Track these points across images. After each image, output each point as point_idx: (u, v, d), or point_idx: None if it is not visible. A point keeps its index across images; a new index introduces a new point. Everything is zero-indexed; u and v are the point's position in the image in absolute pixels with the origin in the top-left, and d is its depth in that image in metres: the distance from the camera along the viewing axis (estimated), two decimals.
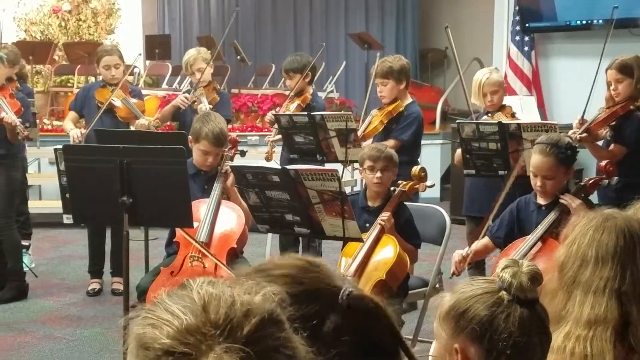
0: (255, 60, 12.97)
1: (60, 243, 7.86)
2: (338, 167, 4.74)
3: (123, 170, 3.98)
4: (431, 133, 9.86)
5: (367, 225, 4.31)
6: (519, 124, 4.87)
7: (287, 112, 5.95)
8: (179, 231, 4.52)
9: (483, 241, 4.28)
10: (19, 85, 6.62)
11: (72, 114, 6.25)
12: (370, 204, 4.47)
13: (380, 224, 4.25)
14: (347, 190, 5.14)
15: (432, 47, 13.32)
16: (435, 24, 13.08)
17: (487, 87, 5.32)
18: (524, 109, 7.48)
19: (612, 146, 4.99)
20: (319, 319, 1.31)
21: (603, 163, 4.30)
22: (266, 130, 8.55)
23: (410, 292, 4.47)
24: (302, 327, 1.22)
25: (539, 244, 3.91)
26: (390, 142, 5.25)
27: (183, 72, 7.65)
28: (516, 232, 4.17)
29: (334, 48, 12.88)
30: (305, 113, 5.71)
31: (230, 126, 7.64)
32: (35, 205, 7.98)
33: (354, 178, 7.33)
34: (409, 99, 5.69)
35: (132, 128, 6.16)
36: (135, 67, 8.94)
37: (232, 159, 4.85)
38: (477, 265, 4.87)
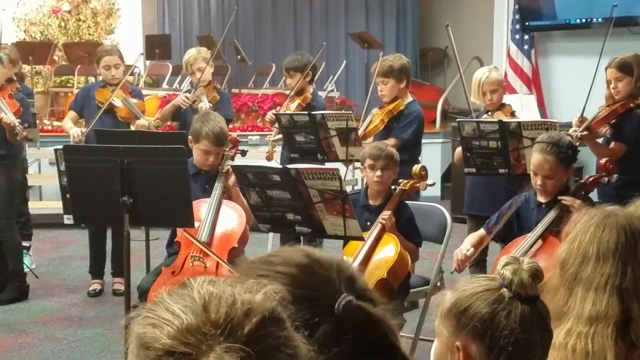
0: (256, 59, 12.97)
1: (61, 244, 7.86)
2: (339, 166, 4.74)
3: (123, 170, 3.98)
4: (431, 132, 9.87)
5: (368, 223, 4.31)
6: (519, 123, 4.87)
7: (288, 112, 5.95)
8: (180, 231, 4.51)
9: (478, 233, 4.28)
10: (19, 86, 6.62)
11: (71, 114, 6.25)
12: (371, 202, 4.47)
13: (381, 222, 4.25)
14: (348, 189, 5.14)
15: (432, 46, 13.32)
16: (435, 23, 13.08)
17: (486, 86, 5.32)
18: (524, 107, 7.48)
19: (612, 144, 4.99)
20: (314, 324, 1.31)
21: (603, 161, 4.30)
22: (267, 129, 8.55)
23: (411, 290, 4.47)
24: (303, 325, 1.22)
25: (540, 241, 3.92)
26: (391, 141, 5.26)
27: (183, 72, 7.65)
28: (515, 229, 4.17)
29: (334, 47, 12.88)
30: (306, 112, 5.71)
31: (230, 126, 7.64)
32: (35, 206, 7.98)
33: (355, 177, 7.33)
34: (410, 98, 5.69)
35: (132, 128, 6.16)
36: (136, 67, 8.94)
37: (232, 159, 4.85)
38: (478, 263, 4.87)
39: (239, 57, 11.68)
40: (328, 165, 4.90)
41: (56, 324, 5.61)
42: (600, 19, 8.57)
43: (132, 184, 3.99)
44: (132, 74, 8.87)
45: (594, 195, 4.42)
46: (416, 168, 4.58)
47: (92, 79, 10.06)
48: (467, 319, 1.77)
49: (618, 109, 4.94)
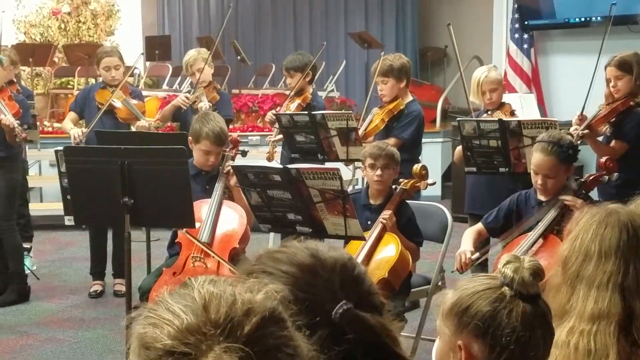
0: (256, 60, 12.97)
1: (62, 245, 7.85)
2: (339, 165, 4.74)
3: (124, 171, 3.98)
4: (432, 131, 9.87)
5: (369, 223, 4.31)
6: (519, 121, 4.87)
7: (288, 112, 5.95)
8: (181, 231, 4.51)
9: (477, 229, 4.26)
10: (19, 88, 6.62)
11: (71, 115, 6.24)
12: (372, 201, 4.48)
13: (382, 222, 4.25)
14: (349, 188, 5.13)
15: (431, 46, 13.31)
16: (434, 22, 13.08)
17: (485, 85, 5.32)
18: (523, 106, 7.48)
19: (613, 142, 5.00)
20: (311, 328, 1.31)
21: (603, 159, 4.30)
22: (267, 130, 8.55)
23: (412, 290, 4.47)
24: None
25: (541, 240, 3.92)
26: (391, 141, 5.26)
27: (183, 73, 7.65)
28: (515, 227, 4.17)
29: (334, 47, 12.88)
30: (306, 112, 5.70)
31: (231, 126, 7.64)
32: (36, 208, 7.98)
33: (355, 177, 7.33)
34: (410, 97, 5.70)
35: (132, 129, 6.16)
36: (136, 68, 8.94)
37: (233, 159, 4.85)
38: (479, 262, 4.86)
39: (238, 57, 11.68)
40: (328, 165, 4.90)
41: (57, 325, 5.61)
42: (599, 18, 8.58)
43: (133, 184, 3.99)
44: (132, 75, 8.87)
45: (594, 194, 4.42)
46: (416, 167, 4.58)
47: (92, 81, 10.07)
48: (469, 318, 1.77)
49: (618, 107, 4.94)
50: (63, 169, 4.24)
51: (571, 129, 4.94)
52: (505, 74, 9.25)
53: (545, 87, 9.54)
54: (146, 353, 1.13)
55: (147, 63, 12.32)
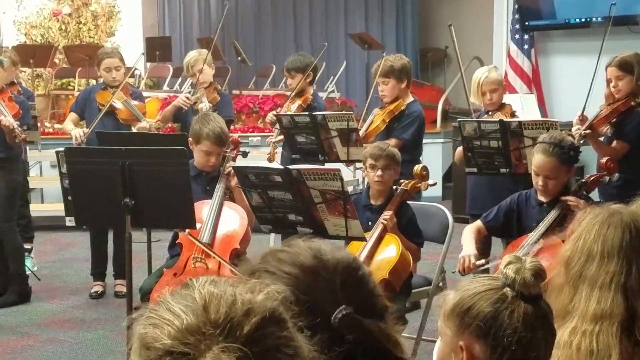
0: (256, 61, 12.96)
1: (63, 246, 7.86)
2: (340, 166, 4.74)
3: (125, 172, 3.98)
4: (432, 132, 9.86)
5: (370, 223, 4.31)
6: (520, 122, 4.87)
7: (289, 113, 5.95)
8: (182, 232, 4.51)
9: (476, 226, 4.25)
10: (20, 89, 6.62)
11: (72, 115, 6.24)
12: (372, 202, 4.48)
13: (382, 223, 4.25)
14: (349, 189, 5.13)
15: (432, 47, 13.31)
16: (435, 23, 13.08)
17: (486, 86, 5.32)
18: (524, 106, 7.48)
19: (614, 142, 5.00)
20: (312, 329, 1.31)
21: (604, 160, 4.30)
22: (268, 131, 8.55)
23: (413, 291, 4.47)
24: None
25: (541, 241, 3.91)
26: (392, 141, 5.26)
27: (184, 74, 7.65)
28: (515, 228, 4.17)
29: (334, 48, 12.87)
30: (307, 113, 5.71)
31: (232, 127, 7.64)
32: (37, 208, 7.98)
33: (356, 178, 7.32)
34: (411, 98, 5.70)
35: (133, 130, 6.15)
36: (136, 69, 8.94)
37: (234, 160, 4.85)
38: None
39: (239, 58, 11.69)
40: (329, 165, 4.90)
41: (58, 326, 5.61)
42: (599, 18, 8.58)
43: (134, 185, 3.99)
44: (132, 76, 8.88)
45: (594, 194, 4.42)
46: (417, 168, 4.58)
47: (92, 82, 10.06)
48: (470, 319, 1.77)
49: (619, 108, 4.94)
50: (64, 170, 4.24)
51: (573, 129, 4.94)
52: (506, 74, 9.25)
53: (546, 87, 9.54)
54: (147, 353, 1.13)
55: (148, 64, 12.32)
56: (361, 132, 5.53)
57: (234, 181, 4.54)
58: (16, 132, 5.48)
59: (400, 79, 5.55)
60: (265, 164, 5.41)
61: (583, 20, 9.05)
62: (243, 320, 1.12)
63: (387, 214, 4.28)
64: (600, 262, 2.23)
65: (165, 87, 11.93)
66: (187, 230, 4.36)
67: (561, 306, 2.20)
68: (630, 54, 5.00)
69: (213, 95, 6.20)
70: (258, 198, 4.05)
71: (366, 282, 1.48)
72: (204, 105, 5.97)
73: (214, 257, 4.36)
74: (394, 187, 4.48)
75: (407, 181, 4.50)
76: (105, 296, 6.22)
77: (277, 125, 5.90)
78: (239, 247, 4.55)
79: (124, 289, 5.52)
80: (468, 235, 4.16)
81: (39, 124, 8.29)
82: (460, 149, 5.15)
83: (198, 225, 4.33)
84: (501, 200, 4.35)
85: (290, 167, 4.02)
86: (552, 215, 3.98)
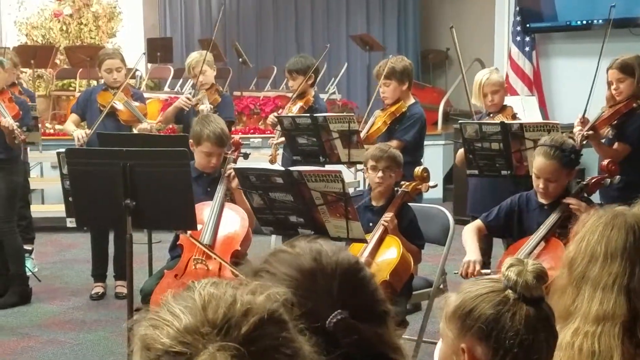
0: (257, 62, 12.97)
1: (64, 247, 7.86)
2: (341, 168, 4.74)
3: (126, 173, 3.98)
4: (433, 134, 9.86)
5: (371, 224, 4.31)
6: (521, 124, 4.87)
7: (290, 114, 5.95)
8: (183, 234, 4.51)
9: (476, 226, 4.25)
10: (21, 90, 6.62)
11: (73, 116, 6.24)
12: (374, 203, 4.47)
13: (383, 224, 4.25)
14: (350, 191, 5.13)
15: (433, 48, 13.32)
16: (436, 25, 13.09)
17: (487, 88, 5.32)
18: (525, 109, 7.49)
19: (616, 144, 4.99)
20: (311, 332, 1.31)
21: (605, 162, 4.30)
22: (269, 132, 8.55)
23: (414, 292, 4.47)
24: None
25: (543, 243, 3.91)
26: (393, 143, 5.26)
27: (185, 75, 7.65)
28: (515, 229, 4.16)
29: (335, 50, 12.87)
30: (308, 115, 5.70)
31: (233, 128, 7.64)
32: (38, 209, 7.99)
33: (357, 179, 7.33)
34: (412, 100, 5.70)
35: (134, 131, 6.15)
36: (137, 70, 8.94)
37: (235, 162, 4.85)
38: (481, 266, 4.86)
39: (240, 59, 11.69)
40: (330, 167, 4.90)
41: (59, 327, 5.61)
42: (600, 21, 8.59)
43: (135, 186, 4.00)
44: (133, 77, 8.87)
45: (595, 197, 4.41)
46: (418, 170, 4.57)
47: (93, 83, 10.07)
48: (472, 321, 1.76)
49: (621, 110, 4.94)
50: (65, 171, 4.24)
51: (575, 130, 4.93)
52: (507, 76, 9.25)
53: (547, 89, 9.54)
54: (147, 354, 1.14)
55: (149, 65, 12.31)
56: (362, 134, 5.53)
57: (235, 183, 4.54)
58: (16, 133, 5.48)
59: (402, 81, 5.55)
60: (266, 165, 5.41)
61: (584, 22, 9.05)
62: (241, 320, 1.12)
63: (388, 215, 4.28)
64: (604, 264, 2.23)
65: (166, 88, 11.93)
66: (188, 232, 4.36)
67: (564, 307, 2.20)
68: (631, 56, 5.00)
69: (214, 97, 6.20)
70: (259, 199, 4.06)
71: (366, 285, 1.48)
72: (205, 106, 5.97)
73: (214, 259, 4.36)
74: (395, 189, 4.48)
75: (408, 183, 4.50)
76: (105, 297, 6.22)
77: (278, 127, 5.90)
78: (239, 248, 4.55)
79: (124, 291, 5.52)
80: (470, 238, 4.12)
81: (39, 125, 8.29)
82: (461, 150, 5.15)
83: (199, 227, 4.33)
84: (502, 202, 4.35)
85: (292, 168, 4.02)
86: (553, 217, 3.97)
